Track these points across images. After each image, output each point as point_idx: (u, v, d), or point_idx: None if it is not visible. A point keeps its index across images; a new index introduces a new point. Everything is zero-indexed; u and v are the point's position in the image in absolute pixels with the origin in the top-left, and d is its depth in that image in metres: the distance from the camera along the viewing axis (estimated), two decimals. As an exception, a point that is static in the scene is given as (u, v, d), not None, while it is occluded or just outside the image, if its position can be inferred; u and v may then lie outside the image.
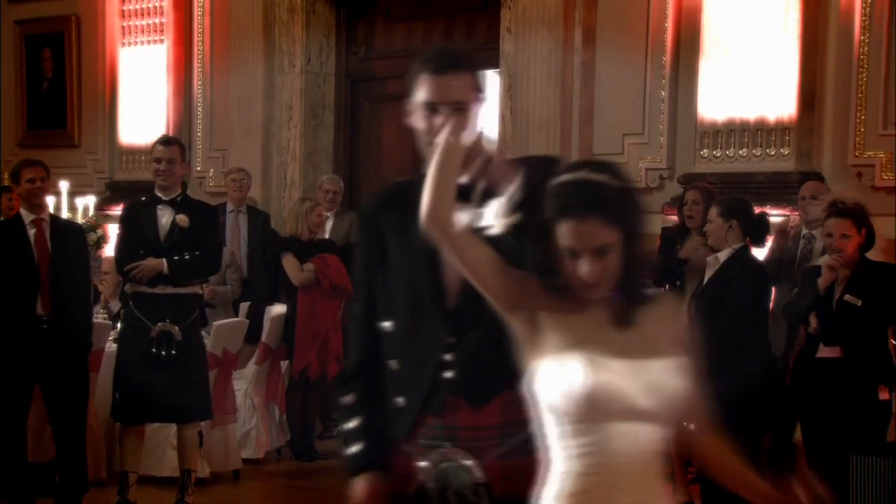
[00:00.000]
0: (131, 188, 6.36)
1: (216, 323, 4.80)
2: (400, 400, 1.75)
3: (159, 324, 3.96)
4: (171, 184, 4.07)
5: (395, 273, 1.81)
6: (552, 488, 1.40)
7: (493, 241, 1.66)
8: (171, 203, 4.05)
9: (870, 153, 4.83)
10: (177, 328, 3.95)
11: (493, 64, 6.18)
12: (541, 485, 1.45)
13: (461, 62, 1.78)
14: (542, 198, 1.54)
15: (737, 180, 4.93)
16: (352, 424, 1.85)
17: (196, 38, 7.12)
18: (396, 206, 1.82)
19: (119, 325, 4.44)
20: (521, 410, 1.67)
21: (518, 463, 1.68)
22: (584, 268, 1.36)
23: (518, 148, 5.89)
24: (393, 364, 1.79)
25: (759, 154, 4.97)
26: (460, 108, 1.70)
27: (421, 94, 1.69)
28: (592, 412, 1.34)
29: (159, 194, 4.05)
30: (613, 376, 1.36)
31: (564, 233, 1.35)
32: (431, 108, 1.69)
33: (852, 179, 4.84)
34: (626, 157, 5.45)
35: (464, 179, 1.70)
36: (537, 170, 1.81)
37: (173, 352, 3.97)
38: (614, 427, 1.35)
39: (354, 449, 1.81)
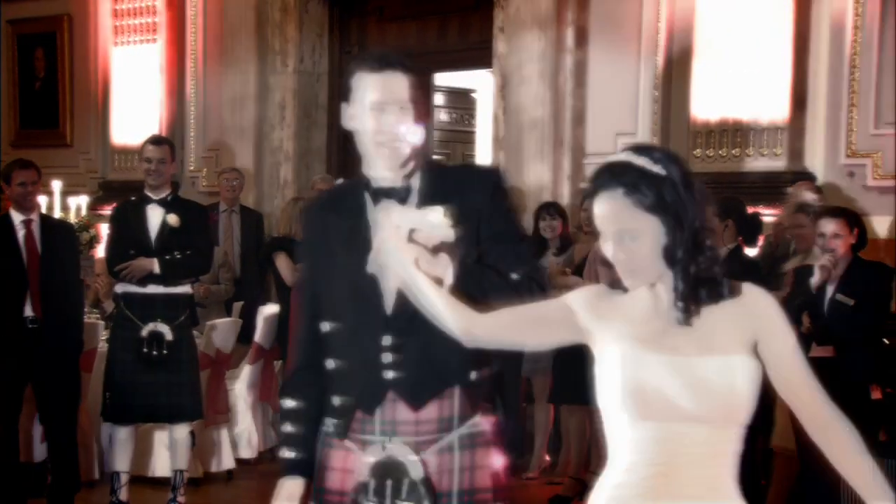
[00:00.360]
0: (124, 188, 6.44)
1: (209, 323, 4.86)
2: (341, 398, 1.77)
3: (150, 324, 4.02)
4: (162, 183, 4.15)
5: (340, 275, 1.83)
6: (609, 477, 1.40)
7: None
8: (162, 202, 4.13)
9: (861, 153, 4.91)
10: (167, 328, 4.01)
11: (486, 63, 6.27)
12: (602, 472, 1.44)
13: (401, 62, 1.78)
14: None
15: (729, 180, 5.02)
16: (291, 430, 1.88)
17: (189, 37, 7.19)
18: (342, 208, 1.84)
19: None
20: (462, 406, 1.76)
21: (458, 457, 1.76)
22: (609, 250, 1.33)
23: (511, 148, 5.99)
24: (334, 364, 1.81)
25: (751, 154, 5.05)
26: (406, 106, 1.72)
27: (367, 94, 1.70)
28: (632, 409, 1.33)
29: (149, 194, 4.13)
30: (651, 374, 1.34)
31: (595, 213, 1.35)
32: (379, 107, 1.70)
33: (844, 179, 4.92)
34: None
35: (398, 182, 1.74)
36: (475, 181, 1.87)
37: (164, 351, 4.04)
38: (662, 426, 1.32)
39: (290, 454, 1.85)
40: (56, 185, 6.06)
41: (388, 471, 1.78)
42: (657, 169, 1.34)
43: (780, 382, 1.40)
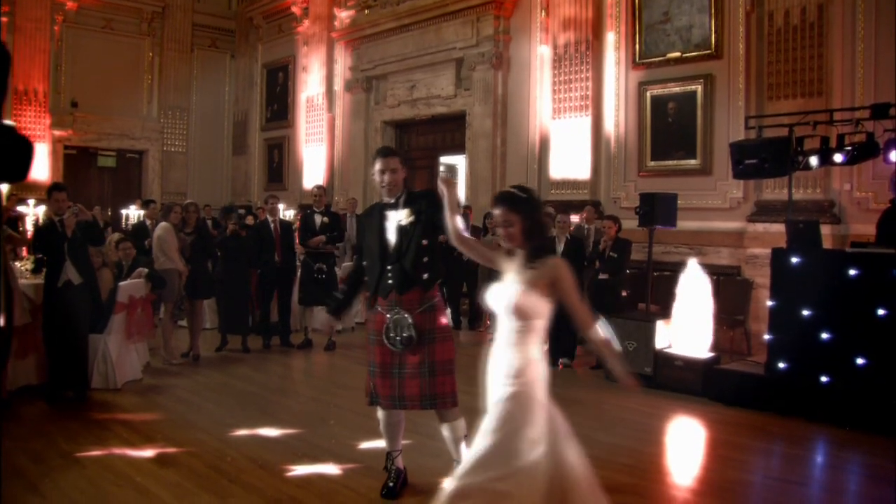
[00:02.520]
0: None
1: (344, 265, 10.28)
2: (370, 292, 3.71)
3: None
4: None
5: (368, 239, 3.71)
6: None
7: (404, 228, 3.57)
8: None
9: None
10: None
11: (462, 151, 11.40)
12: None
13: (392, 151, 3.62)
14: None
15: (567, 204, 10.17)
16: (339, 294, 3.92)
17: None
18: (371, 213, 3.81)
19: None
20: (424, 296, 3.61)
21: (425, 315, 3.60)
22: (500, 232, 2.57)
23: (473, 188, 10.94)
24: (367, 277, 3.70)
25: (574, 193, 10.50)
26: (394, 171, 3.59)
27: (376, 165, 3.62)
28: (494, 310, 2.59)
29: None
30: (504, 292, 2.58)
31: (494, 213, 2.66)
32: (381, 172, 3.59)
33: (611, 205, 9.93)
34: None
35: (392, 200, 3.61)
36: (426, 197, 3.62)
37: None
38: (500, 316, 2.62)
39: (336, 299, 3.91)
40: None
41: (398, 321, 3.55)
42: (520, 195, 2.57)
43: (562, 298, 2.60)
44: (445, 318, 3.66)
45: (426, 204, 3.55)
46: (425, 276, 3.55)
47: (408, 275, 3.53)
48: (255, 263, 8.51)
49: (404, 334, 3.50)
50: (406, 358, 3.57)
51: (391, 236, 3.60)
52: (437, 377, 3.54)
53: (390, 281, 3.56)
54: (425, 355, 3.54)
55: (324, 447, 4.79)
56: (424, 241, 3.55)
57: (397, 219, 3.58)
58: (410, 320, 3.49)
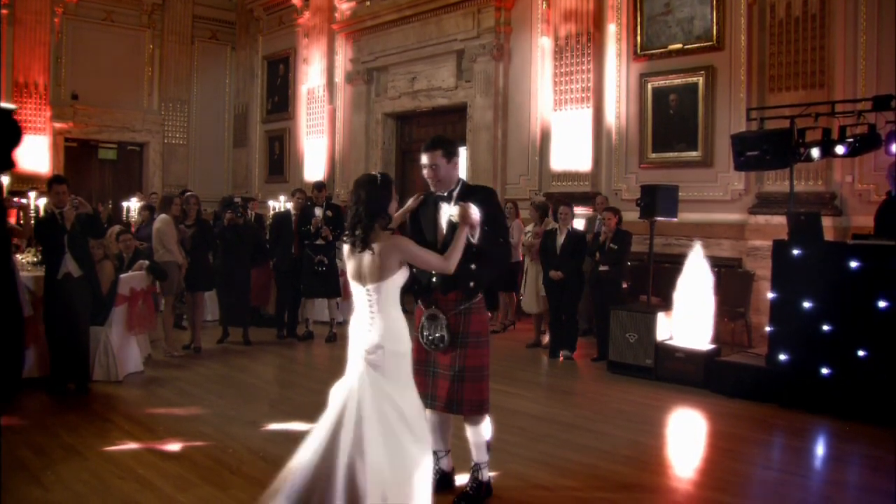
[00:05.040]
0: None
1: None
2: (420, 286, 3.58)
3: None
4: None
5: (423, 228, 3.57)
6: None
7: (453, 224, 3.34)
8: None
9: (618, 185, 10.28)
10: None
11: (463, 143, 11.50)
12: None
13: (436, 143, 3.46)
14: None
15: (570, 196, 10.05)
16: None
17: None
18: (426, 201, 3.61)
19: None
20: (464, 298, 3.49)
21: (461, 317, 3.50)
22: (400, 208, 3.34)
23: (473, 178, 11.14)
24: (416, 273, 3.45)
25: (575, 184, 10.50)
26: (435, 167, 3.41)
27: (422, 159, 3.50)
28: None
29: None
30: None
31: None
32: (423, 167, 3.47)
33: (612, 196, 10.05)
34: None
35: (444, 193, 3.44)
36: (481, 193, 3.50)
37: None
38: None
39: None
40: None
41: (432, 319, 3.52)
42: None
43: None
44: (483, 323, 3.57)
45: (480, 203, 3.35)
46: (471, 283, 3.47)
47: (451, 276, 3.37)
48: (272, 252, 8.80)
49: (437, 334, 3.46)
50: (438, 357, 3.54)
51: (443, 230, 3.51)
52: (464, 383, 3.48)
53: (434, 278, 3.50)
54: (456, 358, 3.49)
55: (325, 439, 4.78)
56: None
57: (449, 213, 3.44)
58: (445, 321, 3.45)
